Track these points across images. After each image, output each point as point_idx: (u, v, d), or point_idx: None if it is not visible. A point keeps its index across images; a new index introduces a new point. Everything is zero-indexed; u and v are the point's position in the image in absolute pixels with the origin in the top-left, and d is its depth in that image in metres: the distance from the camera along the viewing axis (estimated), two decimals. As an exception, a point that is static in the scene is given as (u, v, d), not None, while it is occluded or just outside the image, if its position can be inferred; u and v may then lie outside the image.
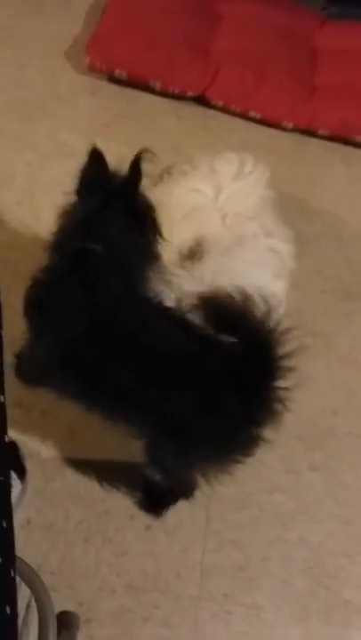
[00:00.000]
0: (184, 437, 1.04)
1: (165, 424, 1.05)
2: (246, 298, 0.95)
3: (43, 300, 1.07)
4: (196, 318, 1.00)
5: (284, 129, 2.10)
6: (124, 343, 1.01)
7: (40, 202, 1.72)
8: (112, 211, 1.03)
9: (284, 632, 1.22)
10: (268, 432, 1.07)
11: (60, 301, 1.04)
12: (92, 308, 1.01)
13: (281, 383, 1.00)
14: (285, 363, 0.97)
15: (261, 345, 0.95)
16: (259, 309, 0.94)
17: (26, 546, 1.25)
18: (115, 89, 2.08)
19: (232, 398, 0.97)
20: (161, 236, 1.10)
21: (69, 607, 1.16)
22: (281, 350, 0.96)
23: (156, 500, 1.32)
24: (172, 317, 1.04)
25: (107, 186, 1.05)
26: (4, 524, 0.64)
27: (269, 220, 1.32)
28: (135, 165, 1.04)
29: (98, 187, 1.05)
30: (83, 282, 1.02)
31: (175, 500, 1.31)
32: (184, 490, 1.29)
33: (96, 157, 1.06)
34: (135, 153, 1.03)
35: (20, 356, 1.29)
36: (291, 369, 0.99)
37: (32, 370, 1.24)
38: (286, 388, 1.02)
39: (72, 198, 1.07)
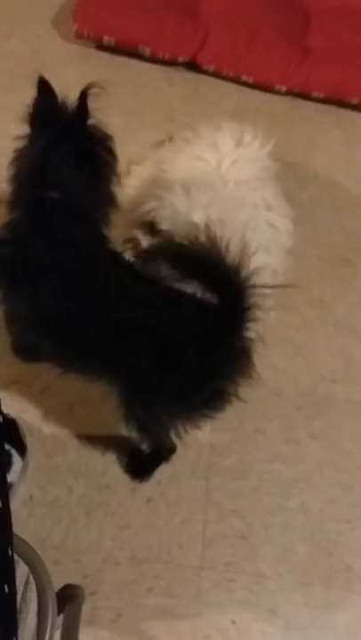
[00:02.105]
0: (148, 392, 1.05)
1: (131, 378, 1.05)
2: (216, 241, 0.92)
3: (8, 259, 1.04)
4: (160, 269, 0.98)
5: (278, 92, 2.07)
6: (89, 298, 1.00)
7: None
8: (62, 151, 1.00)
9: (286, 598, 1.24)
10: (241, 389, 1.06)
11: (26, 259, 1.02)
12: (58, 264, 1.00)
13: (248, 335, 0.98)
14: (252, 314, 0.94)
15: (227, 293, 0.92)
16: (229, 255, 0.91)
17: (29, 521, 1.26)
18: (104, 56, 2.03)
19: (191, 351, 0.96)
20: (115, 171, 1.08)
21: (74, 580, 1.17)
22: (247, 300, 0.93)
23: (140, 465, 1.33)
24: (135, 271, 1.03)
25: (55, 122, 1.02)
26: (0, 503, 0.64)
27: (271, 193, 1.30)
28: (82, 101, 1.01)
29: (47, 122, 1.02)
30: (45, 236, 1.00)
31: (157, 464, 1.32)
32: (162, 450, 1.30)
33: (44, 89, 1.04)
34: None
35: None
36: (257, 320, 0.96)
37: (15, 331, 1.22)
38: (252, 340, 1.00)
39: (22, 142, 1.04)
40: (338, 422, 1.46)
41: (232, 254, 0.91)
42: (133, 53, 2.03)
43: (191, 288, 0.96)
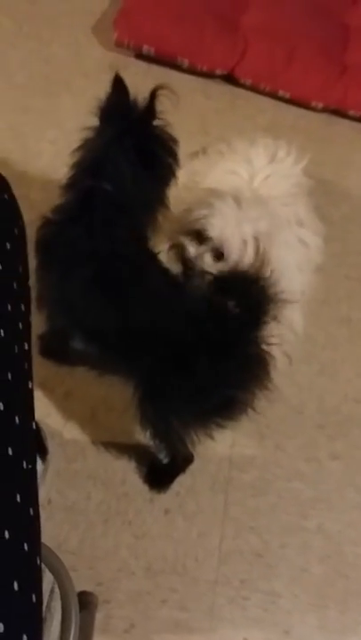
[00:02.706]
0: (160, 393, 1.05)
1: (144, 378, 1.05)
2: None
3: (50, 239, 1.06)
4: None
5: (314, 109, 2.06)
6: (115, 291, 1.01)
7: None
8: (124, 146, 1.01)
9: (300, 619, 1.23)
10: (256, 400, 1.07)
11: (65, 243, 1.04)
12: (94, 253, 1.01)
13: (265, 345, 0.99)
14: (269, 322, 0.95)
15: (246, 300, 0.94)
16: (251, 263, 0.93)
17: (46, 525, 1.25)
18: (142, 66, 2.05)
19: (204, 355, 0.96)
20: (174, 173, 1.09)
21: (88, 587, 1.18)
22: (265, 308, 0.94)
23: (158, 475, 1.33)
24: (166, 273, 1.04)
25: (123, 118, 1.03)
26: (31, 512, 0.65)
27: (303, 209, 1.30)
28: (151, 101, 1.02)
29: (115, 117, 1.03)
30: (88, 224, 1.02)
31: (175, 475, 1.32)
32: (178, 460, 1.29)
33: (118, 86, 1.05)
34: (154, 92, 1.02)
35: (42, 336, 1.31)
36: (270, 334, 0.97)
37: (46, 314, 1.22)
38: (270, 351, 1.00)
39: (89, 132, 1.05)
40: (360, 444, 1.44)
41: (258, 265, 0.93)
42: (172, 64, 2.04)
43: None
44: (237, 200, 1.20)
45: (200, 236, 1.21)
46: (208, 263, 1.21)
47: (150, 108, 1.02)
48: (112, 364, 1.11)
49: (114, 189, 1.01)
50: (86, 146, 1.06)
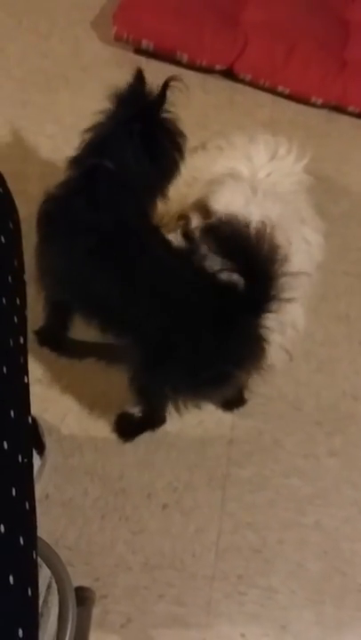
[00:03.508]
0: (158, 360, 1.07)
1: (144, 344, 1.08)
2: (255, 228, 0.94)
3: (53, 213, 1.09)
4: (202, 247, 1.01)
5: (313, 105, 2.05)
6: (119, 260, 1.03)
7: (63, 175, 1.70)
8: (131, 131, 1.03)
9: (297, 615, 1.23)
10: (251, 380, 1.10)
11: (68, 215, 1.06)
12: (95, 226, 1.04)
13: (266, 326, 1.00)
14: (275, 304, 0.96)
15: (256, 278, 0.94)
16: (264, 240, 0.93)
17: (43, 521, 1.25)
18: (141, 61, 2.03)
19: (207, 328, 0.98)
20: (177, 167, 1.11)
21: (85, 582, 1.18)
22: (273, 289, 0.94)
23: (128, 426, 1.36)
24: (168, 244, 1.06)
25: (135, 104, 1.05)
26: (27, 506, 0.64)
27: (304, 206, 1.30)
28: (162, 90, 1.04)
29: (128, 103, 1.06)
30: (90, 198, 1.04)
31: (144, 430, 1.35)
32: (152, 419, 1.33)
33: (138, 78, 1.07)
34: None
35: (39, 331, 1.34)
36: (276, 309, 0.97)
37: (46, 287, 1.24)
38: (270, 332, 1.02)
39: (102, 115, 1.07)
40: (358, 441, 1.44)
41: (271, 247, 0.93)
42: (171, 59, 2.03)
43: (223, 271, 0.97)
44: (253, 186, 1.20)
45: (207, 211, 1.21)
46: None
47: (161, 98, 1.04)
48: (111, 325, 1.12)
49: (116, 168, 1.04)
50: (96, 127, 1.08)
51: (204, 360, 1.03)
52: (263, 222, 1.16)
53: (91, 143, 1.08)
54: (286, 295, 0.96)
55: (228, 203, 1.18)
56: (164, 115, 1.06)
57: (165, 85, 1.04)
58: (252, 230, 0.94)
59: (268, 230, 1.12)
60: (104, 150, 1.05)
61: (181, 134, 1.09)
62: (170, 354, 1.04)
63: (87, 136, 1.08)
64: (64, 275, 1.12)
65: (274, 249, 0.93)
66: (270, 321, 1.00)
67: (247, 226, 0.97)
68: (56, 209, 1.08)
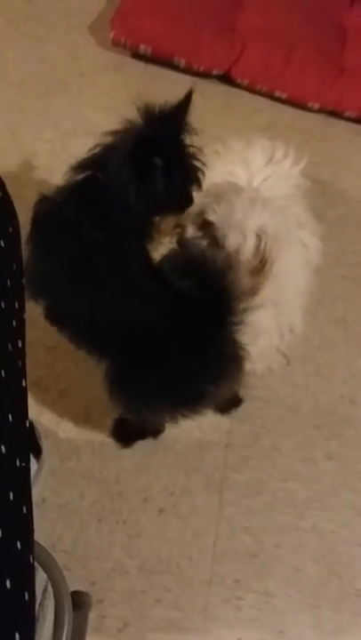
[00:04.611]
0: (129, 381, 1.05)
1: (114, 364, 1.05)
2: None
3: (41, 215, 1.06)
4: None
5: (310, 110, 2.06)
6: (94, 275, 1.01)
7: (61, 180, 1.71)
8: (133, 154, 0.99)
9: (294, 619, 1.23)
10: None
11: (54, 221, 1.04)
12: (78, 236, 1.01)
13: (236, 339, 0.98)
14: (238, 317, 0.95)
15: (215, 293, 0.94)
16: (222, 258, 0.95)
17: (40, 524, 1.25)
18: (139, 65, 2.05)
19: (176, 347, 0.96)
20: (191, 200, 1.08)
21: (82, 587, 1.17)
22: (234, 303, 0.94)
23: (125, 432, 1.35)
24: (150, 264, 1.03)
25: (160, 130, 1.02)
26: (24, 510, 0.64)
27: (302, 210, 1.30)
28: (184, 103, 1.04)
29: (154, 125, 1.02)
30: (77, 207, 1.01)
31: (142, 437, 1.34)
32: (148, 429, 1.32)
33: (184, 101, 1.05)
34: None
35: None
36: (243, 324, 0.97)
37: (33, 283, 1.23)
38: (242, 345, 0.99)
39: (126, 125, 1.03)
40: (356, 444, 1.45)
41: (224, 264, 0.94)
42: (168, 64, 2.04)
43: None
44: (253, 198, 1.20)
45: (204, 221, 1.21)
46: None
47: (181, 115, 1.03)
48: (85, 351, 1.10)
49: (110, 182, 1.01)
50: (117, 135, 1.05)
51: (176, 379, 1.00)
52: (258, 236, 1.17)
53: (97, 152, 1.05)
54: (246, 305, 0.96)
55: (224, 215, 1.18)
56: (187, 149, 1.03)
57: (187, 100, 1.03)
58: (206, 253, 0.96)
59: (263, 244, 1.13)
60: (101, 163, 1.02)
61: (197, 169, 1.06)
62: (140, 373, 1.02)
63: (105, 140, 1.05)
64: (42, 279, 1.08)
65: (227, 265, 0.94)
66: (244, 335, 0.99)
67: (202, 250, 0.98)
68: (44, 213, 1.06)
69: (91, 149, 1.05)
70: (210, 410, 1.15)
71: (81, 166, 1.06)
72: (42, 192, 1.07)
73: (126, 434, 1.36)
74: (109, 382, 1.06)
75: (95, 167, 1.03)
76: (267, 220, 1.17)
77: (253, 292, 1.15)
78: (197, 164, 1.06)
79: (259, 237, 1.16)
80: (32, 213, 1.06)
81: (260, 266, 1.16)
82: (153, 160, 1.00)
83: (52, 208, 1.05)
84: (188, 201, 1.09)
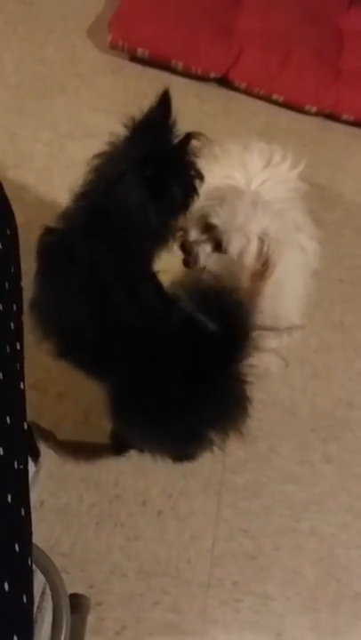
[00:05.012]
0: (127, 408, 1.03)
1: (115, 390, 1.03)
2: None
3: (48, 246, 1.03)
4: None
5: (308, 113, 2.07)
6: (102, 302, 0.98)
7: (59, 182, 1.71)
8: (142, 174, 0.95)
9: (293, 622, 1.23)
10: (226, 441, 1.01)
11: (61, 251, 1.00)
12: (86, 264, 0.97)
13: (244, 379, 0.93)
14: (246, 361, 0.90)
15: (231, 327, 0.89)
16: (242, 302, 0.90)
17: (39, 527, 1.25)
18: (136, 68, 2.05)
19: (181, 383, 0.91)
20: (186, 209, 1.05)
21: (80, 589, 1.17)
22: (249, 339, 0.89)
23: (119, 442, 1.33)
24: (159, 290, 1.01)
25: (154, 142, 0.97)
26: (22, 512, 0.64)
27: (300, 214, 1.30)
28: (186, 140, 0.98)
29: (147, 138, 0.98)
30: (85, 238, 0.97)
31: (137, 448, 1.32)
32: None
33: (164, 102, 1.00)
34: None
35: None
36: (250, 369, 0.92)
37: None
38: (249, 387, 0.94)
39: (116, 141, 0.99)
40: (353, 447, 1.45)
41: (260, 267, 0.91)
42: (166, 67, 2.04)
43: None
44: (254, 201, 1.20)
45: (206, 224, 1.21)
46: (207, 251, 1.21)
47: (183, 144, 0.98)
48: (84, 373, 1.08)
49: (117, 211, 0.97)
50: (108, 156, 1.00)
51: (173, 415, 0.96)
52: (261, 239, 1.17)
53: (98, 176, 1.00)
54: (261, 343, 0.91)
55: (227, 218, 1.18)
56: (185, 158, 0.99)
57: (188, 137, 0.97)
58: (234, 294, 0.92)
59: (265, 247, 1.12)
60: (108, 190, 0.97)
61: (200, 180, 1.03)
62: (137, 402, 0.99)
63: (95, 163, 1.00)
64: (52, 313, 1.06)
65: (250, 307, 0.91)
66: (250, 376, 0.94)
67: (230, 291, 0.94)
68: (51, 243, 1.02)
69: (85, 175, 1.01)
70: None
71: (83, 195, 1.01)
72: (45, 224, 1.03)
73: (121, 443, 1.34)
74: (110, 407, 1.05)
75: (97, 195, 0.98)
76: (268, 223, 1.18)
77: (255, 294, 1.15)
78: (195, 159, 1.03)
79: (262, 240, 1.16)
80: (38, 246, 1.02)
81: (263, 269, 1.16)
82: (165, 175, 0.97)
83: (59, 239, 1.02)
84: (196, 195, 1.05)
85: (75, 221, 1.01)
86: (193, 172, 1.03)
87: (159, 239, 1.06)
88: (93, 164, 1.01)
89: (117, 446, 1.34)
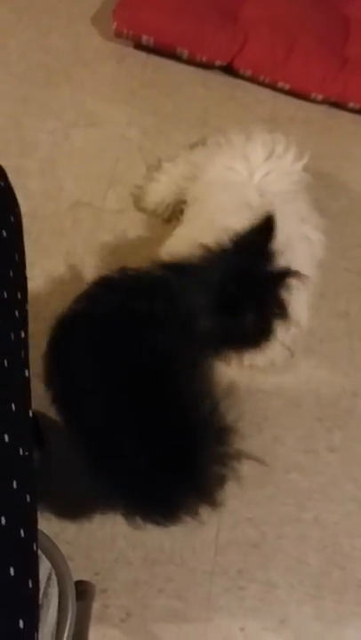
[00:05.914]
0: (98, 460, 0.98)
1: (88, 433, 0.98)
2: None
3: (70, 333, 0.96)
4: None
5: (314, 101, 2.05)
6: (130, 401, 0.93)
7: (63, 171, 1.70)
8: (223, 289, 0.91)
9: (296, 609, 1.23)
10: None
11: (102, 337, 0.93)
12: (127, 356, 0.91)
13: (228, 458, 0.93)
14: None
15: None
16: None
17: (44, 515, 1.26)
18: (141, 56, 2.04)
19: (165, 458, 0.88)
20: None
21: (85, 577, 1.18)
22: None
23: None
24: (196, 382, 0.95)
25: (252, 269, 0.93)
26: (28, 499, 0.65)
27: (305, 205, 1.30)
28: (282, 274, 0.94)
29: (245, 259, 0.94)
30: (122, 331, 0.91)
31: None
32: None
33: (267, 227, 0.97)
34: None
35: None
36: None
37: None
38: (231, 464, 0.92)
39: (218, 251, 0.94)
40: (358, 436, 1.45)
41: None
42: (171, 54, 2.02)
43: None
44: (258, 192, 1.20)
45: None
46: None
47: (278, 279, 0.94)
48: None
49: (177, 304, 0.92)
50: (203, 265, 0.95)
51: (146, 489, 0.94)
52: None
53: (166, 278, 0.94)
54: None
55: (230, 211, 1.18)
56: (274, 292, 0.95)
57: (287, 272, 0.94)
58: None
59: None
60: (157, 295, 0.91)
61: (282, 319, 0.98)
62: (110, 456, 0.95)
63: (188, 264, 0.94)
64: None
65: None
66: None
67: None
68: (74, 329, 0.95)
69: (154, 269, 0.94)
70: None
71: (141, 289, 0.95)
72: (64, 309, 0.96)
73: None
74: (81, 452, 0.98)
75: (149, 299, 0.92)
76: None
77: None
78: (283, 295, 0.97)
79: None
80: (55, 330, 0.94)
81: None
82: (244, 298, 0.92)
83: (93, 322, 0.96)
84: (269, 337, 1.00)
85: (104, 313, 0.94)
86: (277, 310, 0.97)
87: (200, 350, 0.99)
88: (188, 261, 0.95)
89: None
